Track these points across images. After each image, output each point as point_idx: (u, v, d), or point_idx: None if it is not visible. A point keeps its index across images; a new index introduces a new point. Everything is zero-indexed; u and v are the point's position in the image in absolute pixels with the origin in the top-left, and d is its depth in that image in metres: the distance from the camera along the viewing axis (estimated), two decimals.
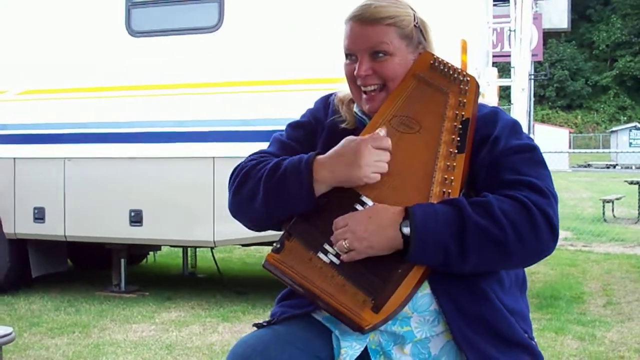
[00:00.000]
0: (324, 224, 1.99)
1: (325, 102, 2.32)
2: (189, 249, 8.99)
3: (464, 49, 6.68)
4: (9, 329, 3.58)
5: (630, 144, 48.81)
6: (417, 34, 2.15)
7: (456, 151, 2.03)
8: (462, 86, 2.11)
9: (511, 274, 2.10)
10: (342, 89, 2.27)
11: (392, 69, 2.11)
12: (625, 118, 65.54)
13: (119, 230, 7.48)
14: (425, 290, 2.00)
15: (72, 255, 9.26)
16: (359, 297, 1.93)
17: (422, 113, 2.10)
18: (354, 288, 1.94)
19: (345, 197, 2.01)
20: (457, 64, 6.64)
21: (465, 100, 2.09)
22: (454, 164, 2.01)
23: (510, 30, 8.68)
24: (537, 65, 23.28)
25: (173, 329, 6.41)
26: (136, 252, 8.97)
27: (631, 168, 41.15)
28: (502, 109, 2.21)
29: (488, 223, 1.88)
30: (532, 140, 2.11)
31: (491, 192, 1.95)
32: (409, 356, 2.02)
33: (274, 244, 2.03)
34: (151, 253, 9.78)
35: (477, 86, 2.13)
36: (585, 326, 6.40)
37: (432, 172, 2.01)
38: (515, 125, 2.12)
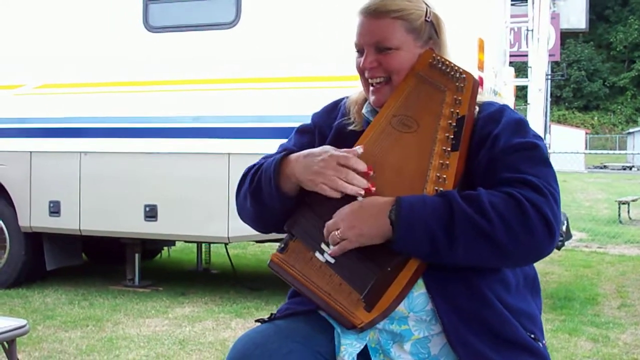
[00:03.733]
0: (322, 225, 2.01)
1: (334, 106, 2.35)
2: (203, 244, 9.01)
3: (481, 48, 6.67)
4: (23, 322, 3.59)
5: None
6: (428, 29, 2.15)
7: (450, 149, 2.02)
8: (458, 84, 2.10)
9: (518, 273, 2.08)
10: (356, 90, 2.30)
11: (397, 62, 2.12)
12: None
13: (133, 225, 7.50)
14: (421, 289, 1.99)
15: (87, 249, 9.30)
16: (354, 296, 1.95)
17: (420, 112, 2.10)
18: (349, 287, 1.96)
19: (342, 196, 2.01)
20: (474, 63, 6.68)
21: (461, 98, 2.08)
22: (448, 162, 2.01)
23: (527, 30, 8.64)
24: (554, 66, 23.19)
25: (186, 324, 6.42)
26: (150, 247, 9.00)
27: None
28: (509, 107, 2.16)
29: (476, 215, 1.85)
30: (540, 138, 2.06)
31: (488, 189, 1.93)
32: (409, 354, 2.03)
33: (279, 244, 2.07)
34: (165, 248, 9.80)
35: (475, 84, 2.11)
36: (599, 328, 6.38)
37: (426, 170, 2.01)
38: (520, 123, 2.08)
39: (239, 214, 2.29)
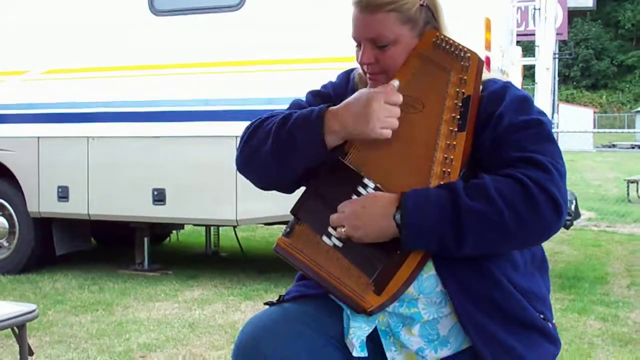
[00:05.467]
0: (329, 209, 2.00)
1: (347, 77, 2.32)
2: (212, 227, 9.02)
3: (488, 27, 6.64)
4: (32, 306, 3.60)
5: None
6: (424, 15, 2.09)
7: (457, 129, 2.00)
8: (463, 63, 2.07)
9: (526, 253, 2.07)
10: None
11: (394, 58, 2.08)
12: None
13: (142, 209, 7.51)
14: (431, 271, 1.99)
15: (96, 234, 9.32)
16: (363, 279, 1.94)
17: (425, 92, 2.08)
18: (358, 271, 1.95)
19: (348, 180, 2.01)
20: (481, 42, 6.64)
21: (466, 78, 2.05)
22: (454, 142, 1.99)
23: (534, 9, 8.61)
24: (562, 45, 23.09)
25: (196, 307, 6.44)
26: (159, 231, 9.00)
27: None
28: (513, 84, 2.14)
29: (483, 205, 1.84)
30: (544, 114, 2.04)
31: (493, 170, 1.92)
32: (418, 337, 2.03)
33: (285, 228, 2.05)
34: (174, 232, 9.82)
35: (480, 62, 2.08)
36: (609, 307, 6.37)
37: (433, 151, 2.00)
38: (525, 100, 2.05)
39: (244, 164, 2.19)
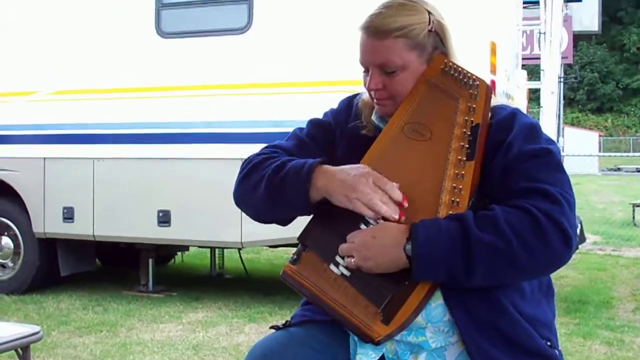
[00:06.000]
0: (336, 237, 1.99)
1: (349, 104, 2.31)
2: (216, 249, 9.02)
3: (493, 51, 6.65)
4: (36, 328, 3.60)
5: None
6: (432, 40, 2.09)
7: (465, 159, 1.99)
8: (471, 91, 2.05)
9: (533, 280, 2.07)
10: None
11: (402, 84, 2.08)
12: None
13: (147, 231, 7.52)
14: (439, 300, 1.98)
15: (101, 255, 9.31)
16: (371, 309, 1.92)
17: (433, 120, 2.06)
18: (365, 300, 1.94)
19: (358, 213, 1.98)
20: (486, 66, 6.65)
21: (474, 106, 2.04)
22: (463, 172, 1.97)
23: (540, 33, 8.63)
24: (567, 68, 23.16)
25: (200, 329, 6.43)
26: (164, 252, 9.00)
27: None
28: (521, 111, 2.12)
29: (493, 238, 1.84)
30: (552, 142, 2.04)
31: (503, 200, 1.91)
32: None
33: (292, 255, 2.04)
34: (179, 253, 9.81)
35: (488, 90, 2.06)
36: (614, 331, 6.35)
37: (441, 180, 1.98)
38: (533, 128, 2.04)
39: (239, 201, 2.24)
